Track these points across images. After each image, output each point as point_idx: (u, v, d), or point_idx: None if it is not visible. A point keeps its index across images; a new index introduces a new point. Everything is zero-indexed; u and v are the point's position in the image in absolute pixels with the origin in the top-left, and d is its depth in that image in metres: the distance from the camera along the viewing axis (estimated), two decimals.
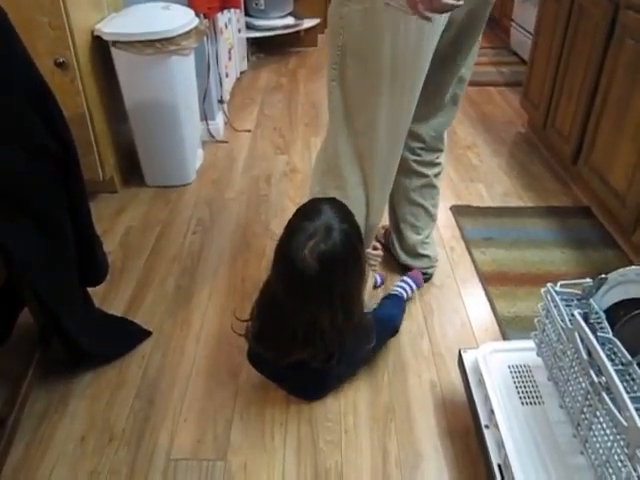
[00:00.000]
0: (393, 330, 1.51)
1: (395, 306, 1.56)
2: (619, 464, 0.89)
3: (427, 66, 1.29)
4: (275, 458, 1.26)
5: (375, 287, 1.69)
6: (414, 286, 1.66)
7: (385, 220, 1.81)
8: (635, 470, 0.83)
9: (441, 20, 1.23)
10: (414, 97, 1.33)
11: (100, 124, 2.06)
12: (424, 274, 1.76)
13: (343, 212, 1.22)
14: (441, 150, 1.66)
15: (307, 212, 1.21)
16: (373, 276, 1.60)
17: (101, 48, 2.02)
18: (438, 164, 1.68)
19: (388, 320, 1.49)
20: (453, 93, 1.54)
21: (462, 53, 1.44)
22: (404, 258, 1.76)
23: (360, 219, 1.43)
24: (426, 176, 1.66)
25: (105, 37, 1.98)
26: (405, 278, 1.66)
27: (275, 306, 1.25)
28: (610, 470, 0.92)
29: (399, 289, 1.63)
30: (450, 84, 1.50)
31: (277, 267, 1.22)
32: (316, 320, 1.20)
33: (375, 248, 1.61)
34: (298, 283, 1.17)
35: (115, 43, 1.98)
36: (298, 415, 1.35)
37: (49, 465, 1.23)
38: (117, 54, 2.01)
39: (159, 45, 1.97)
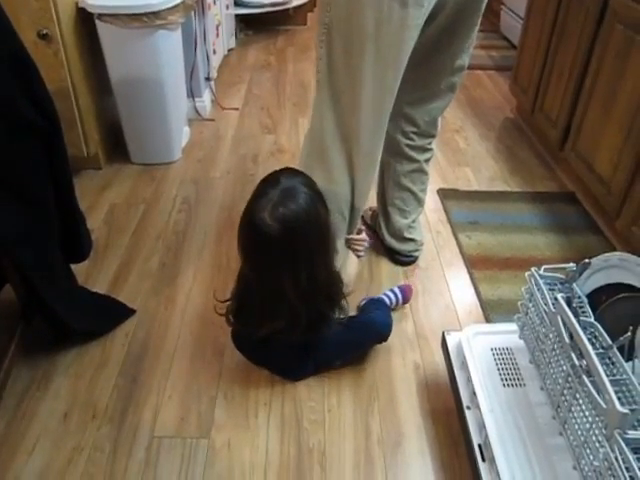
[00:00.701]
0: (376, 334, 1.42)
1: (377, 309, 1.49)
2: (597, 445, 0.91)
3: (411, 45, 1.28)
4: (259, 436, 1.26)
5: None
6: (400, 299, 1.59)
7: (372, 202, 1.82)
8: (613, 451, 0.85)
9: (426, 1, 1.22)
10: (397, 76, 1.32)
11: (84, 99, 2.02)
12: (409, 257, 1.78)
13: (304, 179, 1.21)
14: (434, 136, 1.65)
15: (269, 179, 1.21)
16: (358, 256, 1.58)
17: (86, 21, 1.97)
18: (429, 149, 1.67)
19: (370, 323, 1.43)
20: (450, 80, 1.53)
21: (457, 39, 1.43)
22: (389, 241, 1.77)
23: (345, 202, 1.43)
24: (417, 161, 1.66)
25: (90, 9, 1.93)
26: (394, 288, 1.61)
27: (245, 278, 1.26)
28: (588, 451, 0.94)
29: (384, 296, 1.58)
30: (447, 70, 1.50)
31: (240, 234, 1.20)
32: (280, 286, 1.19)
33: (359, 232, 1.59)
34: (259, 246, 1.17)
35: (100, 16, 1.94)
36: (282, 394, 1.36)
37: (31, 441, 1.23)
38: (102, 27, 1.97)
39: (145, 19, 1.94)
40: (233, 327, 1.38)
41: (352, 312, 1.47)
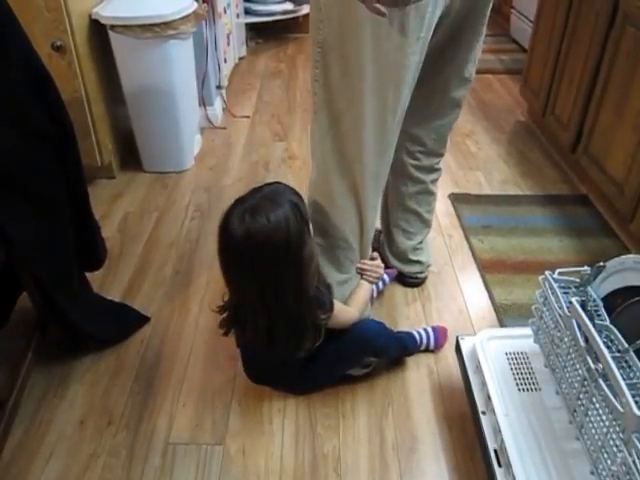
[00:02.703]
0: (365, 346, 1.33)
1: (395, 334, 1.42)
2: (614, 449, 0.90)
3: (415, 61, 1.17)
4: (273, 443, 1.26)
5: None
6: (432, 341, 1.48)
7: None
8: (630, 455, 0.84)
9: (430, 11, 1.11)
10: (400, 96, 1.21)
11: (98, 109, 2.05)
12: (414, 278, 1.71)
13: (291, 196, 1.15)
14: (442, 155, 1.57)
15: (255, 187, 1.18)
16: (371, 282, 1.46)
17: (99, 32, 2.00)
18: (437, 170, 1.60)
19: (359, 336, 1.32)
20: (456, 94, 1.45)
21: (462, 48, 1.35)
22: (393, 262, 1.69)
23: (352, 229, 1.36)
24: (423, 182, 1.58)
25: (103, 21, 1.96)
26: (427, 327, 1.50)
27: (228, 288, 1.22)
28: (605, 455, 0.93)
29: (416, 331, 1.48)
30: (452, 84, 1.42)
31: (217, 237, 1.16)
32: (245, 296, 1.16)
33: (373, 258, 1.47)
34: (225, 251, 1.14)
35: (113, 27, 1.96)
36: (296, 400, 1.36)
37: (48, 448, 1.24)
38: (115, 38, 1.99)
39: (157, 29, 1.96)
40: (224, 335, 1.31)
41: None
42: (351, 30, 1.11)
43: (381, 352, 1.37)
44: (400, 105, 1.23)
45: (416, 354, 1.48)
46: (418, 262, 1.69)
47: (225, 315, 1.25)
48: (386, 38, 1.11)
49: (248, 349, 1.35)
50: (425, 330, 1.49)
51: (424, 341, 1.47)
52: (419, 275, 1.71)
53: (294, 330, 1.19)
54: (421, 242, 1.69)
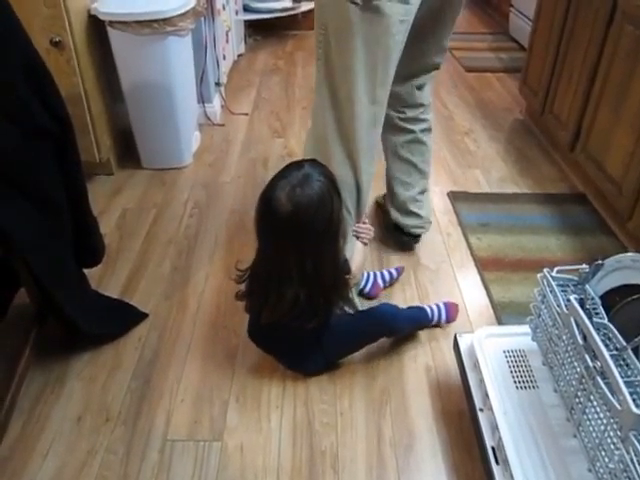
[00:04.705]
0: (382, 325, 1.42)
1: (407, 312, 1.50)
2: (612, 447, 0.90)
3: (400, 41, 1.33)
4: (271, 439, 1.27)
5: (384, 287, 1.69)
6: (444, 315, 1.54)
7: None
8: (628, 452, 0.84)
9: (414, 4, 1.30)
10: (388, 71, 1.38)
11: (96, 105, 2.04)
12: (410, 234, 1.79)
13: (326, 170, 1.26)
14: (423, 105, 1.69)
15: (293, 164, 1.26)
16: (364, 244, 1.55)
17: (97, 28, 1.99)
18: (423, 120, 1.71)
19: (377, 314, 1.43)
20: (434, 60, 1.61)
21: (441, 25, 1.52)
22: (394, 215, 1.79)
23: (350, 194, 1.46)
24: (412, 131, 1.70)
25: (101, 17, 1.95)
26: (439, 303, 1.57)
27: (256, 259, 1.30)
28: (603, 453, 0.93)
29: (427, 306, 1.55)
30: (430, 53, 1.58)
31: (257, 211, 1.23)
32: (286, 268, 1.22)
33: (364, 222, 1.57)
34: (271, 225, 1.21)
35: (111, 23, 1.96)
36: (294, 397, 1.36)
37: (46, 444, 1.24)
38: (113, 34, 1.98)
39: (156, 25, 1.95)
40: (245, 309, 1.40)
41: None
42: (344, 10, 1.28)
43: (395, 332, 1.46)
44: (388, 79, 1.39)
45: (414, 354, 1.48)
46: (417, 215, 1.77)
47: (246, 284, 1.32)
48: (375, 23, 1.28)
49: (256, 316, 1.38)
50: (437, 305, 1.55)
51: (435, 316, 1.54)
52: (416, 230, 1.80)
53: (327, 298, 1.29)
54: (421, 194, 1.77)
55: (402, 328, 1.47)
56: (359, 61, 1.32)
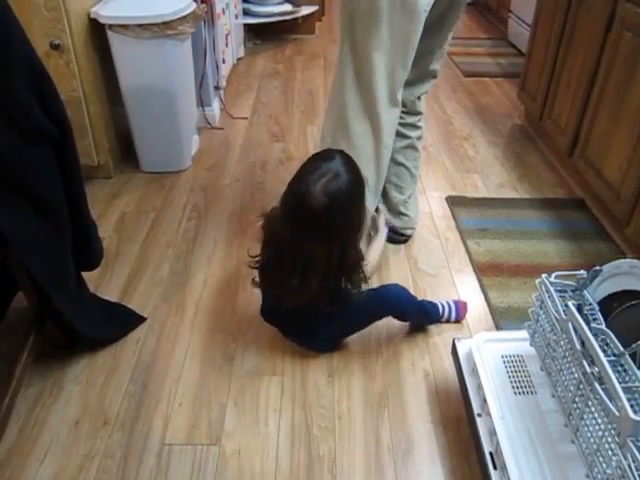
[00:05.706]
0: (390, 304, 1.46)
1: (418, 300, 1.52)
2: (610, 453, 0.90)
3: (420, 29, 1.46)
4: (269, 443, 1.26)
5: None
6: (454, 313, 1.57)
7: None
8: (625, 459, 0.84)
9: None
10: (408, 52, 1.49)
11: (95, 108, 2.04)
12: (400, 234, 1.88)
13: (351, 160, 1.31)
14: (421, 113, 1.82)
15: (322, 155, 1.32)
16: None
17: (97, 31, 2.00)
18: (419, 127, 1.85)
19: (385, 293, 1.47)
20: (434, 66, 1.74)
21: (446, 25, 1.64)
22: (387, 215, 1.85)
23: (369, 169, 1.55)
24: (409, 137, 1.82)
25: (101, 20, 1.96)
26: (449, 300, 1.60)
27: (279, 242, 1.32)
28: (601, 459, 0.93)
29: (439, 302, 1.58)
30: (434, 54, 1.69)
31: (287, 201, 1.28)
32: (314, 257, 1.27)
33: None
34: (304, 216, 1.24)
35: (111, 26, 1.96)
36: (292, 401, 1.36)
37: (43, 448, 1.24)
38: (113, 37, 1.99)
39: (156, 29, 1.96)
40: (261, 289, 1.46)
41: None
42: (374, 2, 1.41)
43: (402, 313, 1.49)
44: (408, 62, 1.51)
45: (413, 359, 1.48)
46: (406, 215, 1.88)
47: (261, 270, 1.39)
48: (400, 10, 1.42)
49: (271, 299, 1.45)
50: (447, 302, 1.59)
51: (446, 312, 1.57)
52: (406, 231, 1.90)
53: (348, 282, 1.35)
54: (410, 196, 1.90)
55: (407, 311, 1.48)
56: (384, 43, 1.45)
